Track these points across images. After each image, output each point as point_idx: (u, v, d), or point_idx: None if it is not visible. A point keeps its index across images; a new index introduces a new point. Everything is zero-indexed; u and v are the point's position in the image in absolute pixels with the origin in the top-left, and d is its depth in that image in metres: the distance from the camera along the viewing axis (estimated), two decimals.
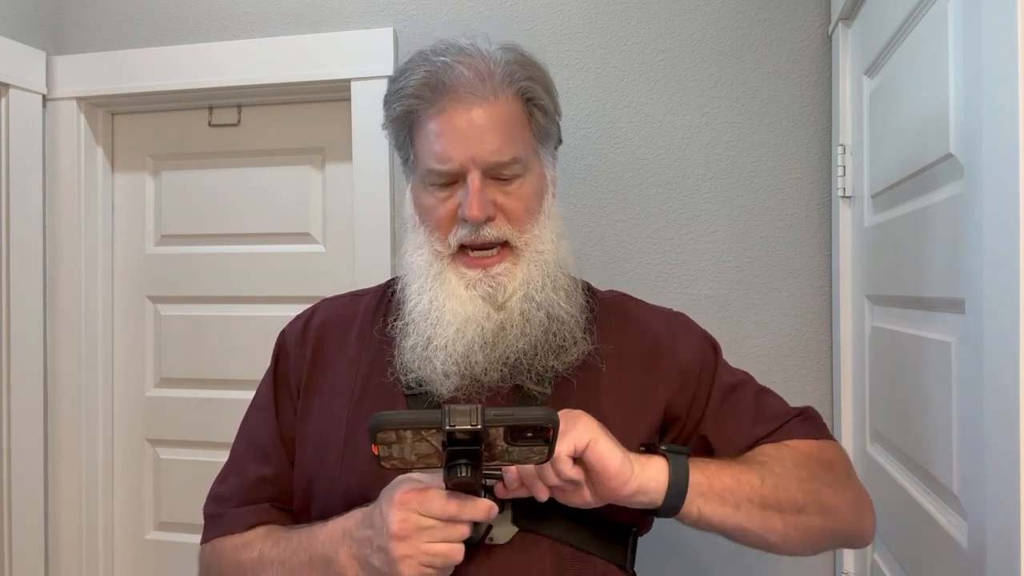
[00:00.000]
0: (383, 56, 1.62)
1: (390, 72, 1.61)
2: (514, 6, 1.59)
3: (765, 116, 1.50)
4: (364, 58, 1.63)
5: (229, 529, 0.96)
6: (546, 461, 0.77)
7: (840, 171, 1.37)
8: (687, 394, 0.97)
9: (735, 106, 1.51)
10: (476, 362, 0.89)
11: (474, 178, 0.89)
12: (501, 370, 0.90)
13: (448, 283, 0.92)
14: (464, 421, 0.73)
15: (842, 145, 1.37)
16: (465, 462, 0.75)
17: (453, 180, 0.91)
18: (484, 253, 0.92)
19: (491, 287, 0.91)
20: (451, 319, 0.90)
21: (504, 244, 0.92)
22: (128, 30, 1.78)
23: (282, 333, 1.04)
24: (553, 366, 0.92)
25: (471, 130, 0.89)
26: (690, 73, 1.53)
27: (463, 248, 0.92)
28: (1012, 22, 0.67)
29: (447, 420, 0.73)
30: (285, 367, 1.01)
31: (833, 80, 1.43)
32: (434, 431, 0.74)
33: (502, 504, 0.85)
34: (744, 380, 1.01)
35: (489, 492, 0.82)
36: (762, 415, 0.98)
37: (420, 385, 0.91)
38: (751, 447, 0.95)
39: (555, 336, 0.92)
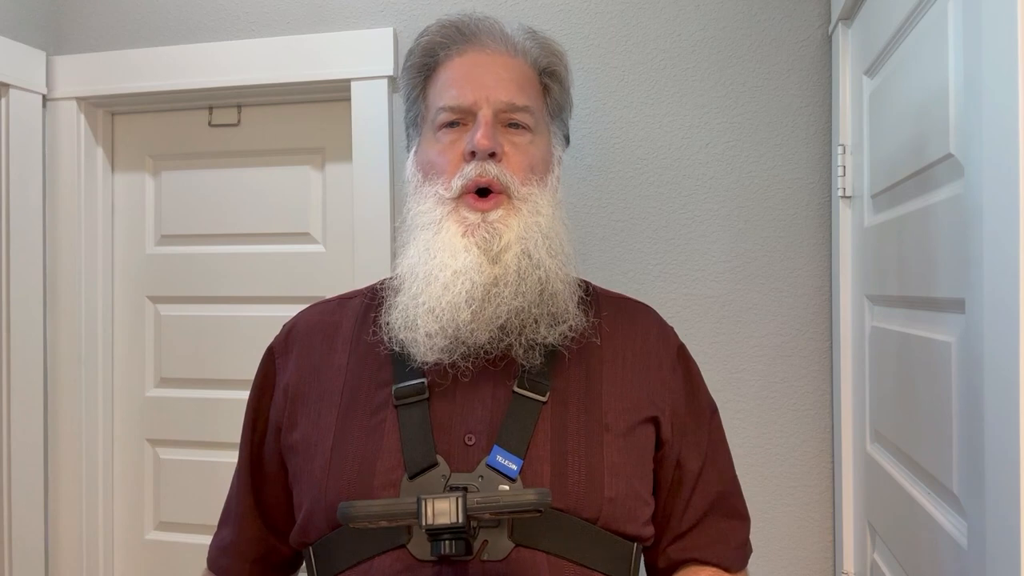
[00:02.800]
0: (383, 56, 1.62)
1: (390, 72, 1.61)
2: (514, 6, 1.59)
3: (765, 116, 1.50)
4: (364, 58, 1.63)
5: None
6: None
7: (840, 171, 1.37)
8: (676, 436, 0.96)
9: (735, 106, 1.51)
10: (463, 320, 0.85)
11: (485, 112, 0.90)
12: (490, 331, 0.86)
13: (445, 231, 0.88)
14: (444, 516, 0.69)
15: (842, 145, 1.37)
16: (449, 537, 0.72)
17: (463, 123, 0.92)
18: (485, 201, 0.90)
19: (487, 233, 0.88)
20: (439, 273, 0.87)
21: (503, 194, 0.90)
22: (128, 30, 1.78)
23: (268, 348, 1.01)
24: (544, 335, 0.88)
25: (488, 74, 0.92)
26: (690, 73, 1.53)
27: (466, 195, 0.90)
28: (1012, 22, 0.67)
29: (425, 517, 0.69)
30: (269, 387, 0.99)
31: (833, 80, 1.43)
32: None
33: (498, 519, 0.81)
34: (716, 456, 1.01)
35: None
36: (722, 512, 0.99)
37: (403, 348, 0.88)
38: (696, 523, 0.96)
39: (549, 302, 0.88)
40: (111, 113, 1.86)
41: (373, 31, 1.63)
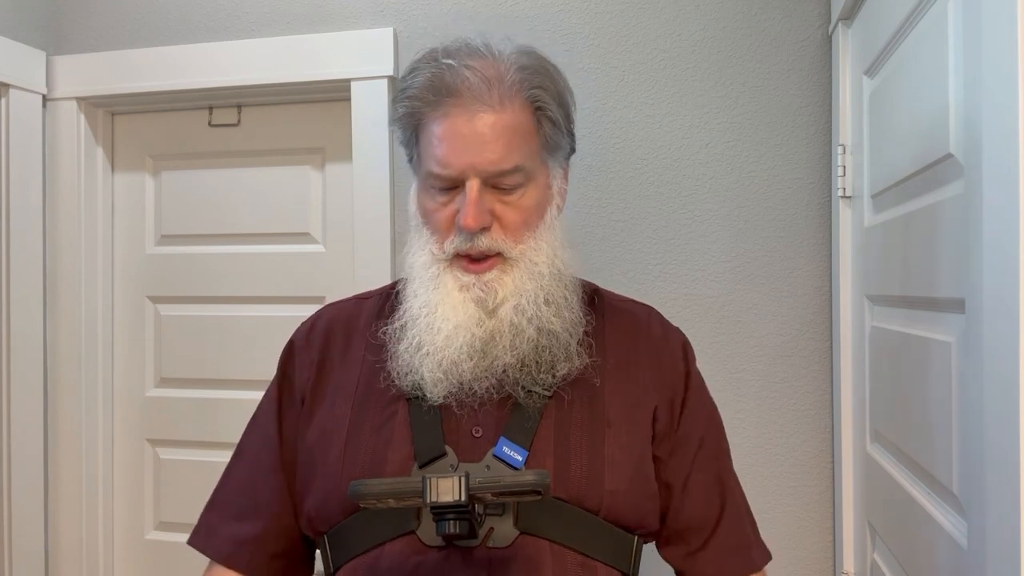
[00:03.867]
0: (383, 56, 1.62)
1: (390, 72, 1.61)
2: (514, 6, 1.59)
3: (765, 116, 1.50)
4: (364, 58, 1.63)
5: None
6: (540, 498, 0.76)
7: (840, 171, 1.37)
8: (671, 430, 0.96)
9: (735, 106, 1.51)
10: (465, 370, 0.88)
11: (472, 187, 0.87)
12: (490, 379, 0.89)
13: (443, 285, 0.91)
14: (448, 494, 0.72)
15: (842, 145, 1.37)
16: (453, 517, 0.76)
17: (453, 185, 0.90)
18: (479, 264, 0.91)
19: (483, 291, 0.90)
20: (442, 325, 0.89)
21: (498, 254, 0.91)
22: (128, 30, 1.78)
23: (290, 341, 1.04)
24: (544, 379, 0.90)
25: (472, 137, 0.87)
26: (690, 73, 1.53)
27: (459, 256, 0.91)
28: (1012, 22, 0.67)
29: (429, 495, 0.72)
30: (291, 375, 1.01)
31: (833, 80, 1.43)
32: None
33: (504, 507, 0.84)
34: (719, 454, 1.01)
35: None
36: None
37: (416, 389, 0.91)
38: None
39: (546, 351, 0.90)
40: (111, 113, 1.86)
41: (373, 31, 1.63)
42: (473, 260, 0.91)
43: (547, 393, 0.91)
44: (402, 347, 0.92)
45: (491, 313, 0.90)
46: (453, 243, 0.90)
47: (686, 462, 0.97)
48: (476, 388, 0.89)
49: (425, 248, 0.93)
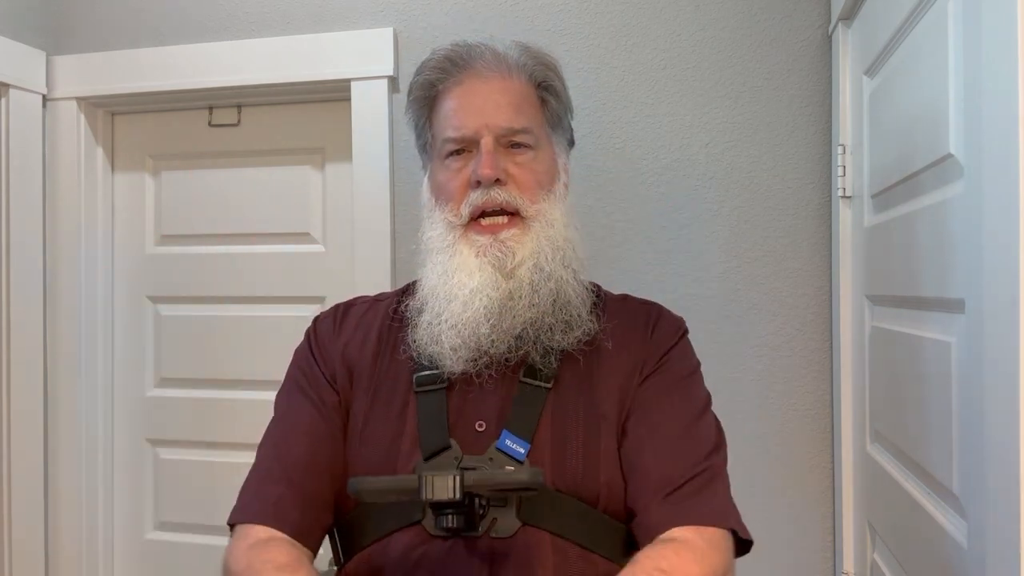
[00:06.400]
0: (383, 56, 1.62)
1: (390, 72, 1.61)
2: (514, 6, 1.59)
3: (765, 116, 1.50)
4: (364, 58, 1.63)
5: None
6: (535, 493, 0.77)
7: (840, 171, 1.37)
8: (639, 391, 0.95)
9: (735, 106, 1.51)
10: (483, 334, 0.91)
11: (487, 141, 0.93)
12: (508, 342, 0.92)
13: (459, 254, 0.94)
14: (443, 492, 0.74)
15: (842, 145, 1.37)
16: (452, 512, 0.78)
17: (468, 150, 0.95)
18: (495, 220, 0.94)
19: (500, 252, 0.92)
20: (458, 292, 0.92)
21: (514, 214, 0.95)
22: (128, 30, 1.78)
23: (315, 321, 1.05)
24: (559, 341, 0.93)
25: (486, 101, 0.95)
26: (690, 73, 1.53)
27: (475, 220, 0.95)
28: (1012, 22, 0.67)
29: (425, 492, 0.74)
30: (315, 350, 1.01)
31: (833, 80, 1.43)
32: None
33: (507, 498, 0.86)
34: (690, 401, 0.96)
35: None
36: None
37: (431, 362, 0.93)
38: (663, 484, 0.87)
39: (562, 311, 0.94)
40: (111, 113, 1.86)
41: (373, 31, 1.63)
42: (489, 220, 0.93)
43: (547, 385, 0.92)
44: (423, 319, 0.95)
45: (509, 275, 0.92)
46: (469, 201, 0.93)
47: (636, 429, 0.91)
48: (493, 352, 0.91)
49: (440, 220, 0.96)
